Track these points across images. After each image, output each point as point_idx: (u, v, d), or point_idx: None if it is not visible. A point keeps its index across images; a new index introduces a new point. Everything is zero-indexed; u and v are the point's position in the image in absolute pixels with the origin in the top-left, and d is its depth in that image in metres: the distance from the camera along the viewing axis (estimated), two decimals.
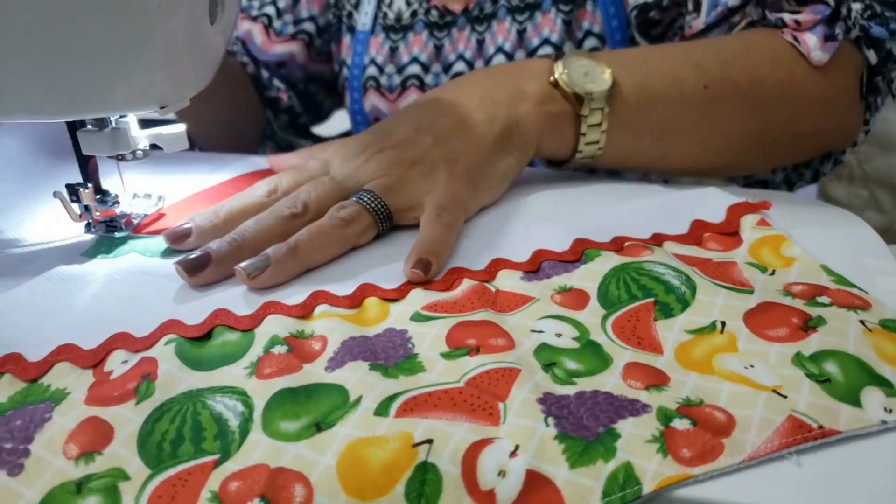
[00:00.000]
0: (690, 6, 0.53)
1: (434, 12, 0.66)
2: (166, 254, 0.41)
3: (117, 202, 0.43)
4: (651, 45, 0.57)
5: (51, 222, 0.46)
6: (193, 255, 0.38)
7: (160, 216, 0.46)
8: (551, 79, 0.45)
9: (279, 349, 0.31)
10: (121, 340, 0.33)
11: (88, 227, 0.43)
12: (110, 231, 0.43)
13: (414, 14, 0.67)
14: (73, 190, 0.42)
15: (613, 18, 0.58)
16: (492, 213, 0.44)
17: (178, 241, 0.41)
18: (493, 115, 0.45)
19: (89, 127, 0.39)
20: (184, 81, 0.38)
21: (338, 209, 0.40)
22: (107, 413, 0.28)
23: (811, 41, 0.47)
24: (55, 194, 0.41)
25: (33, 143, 0.55)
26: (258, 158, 0.58)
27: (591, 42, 0.59)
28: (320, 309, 0.34)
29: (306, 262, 0.38)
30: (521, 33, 0.61)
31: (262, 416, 0.28)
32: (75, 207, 0.42)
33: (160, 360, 0.31)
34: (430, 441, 0.26)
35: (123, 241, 0.43)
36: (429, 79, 0.67)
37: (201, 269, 0.37)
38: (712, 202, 0.42)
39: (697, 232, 0.40)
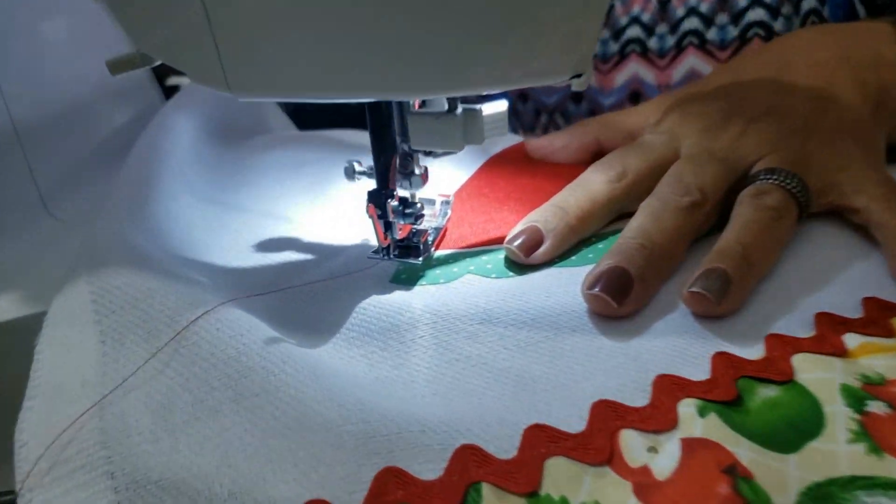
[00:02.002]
0: None
1: None
2: (512, 270, 0.30)
3: (421, 214, 0.31)
4: None
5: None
6: (606, 277, 0.27)
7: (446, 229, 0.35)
8: None
9: (878, 406, 0.21)
10: (612, 414, 0.22)
11: (386, 252, 0.31)
12: (405, 256, 0.31)
13: None
14: (377, 198, 0.29)
15: None
16: None
17: (531, 251, 0.30)
18: (860, 78, 0.35)
19: (427, 110, 0.27)
20: (595, 34, 0.26)
21: (759, 196, 0.30)
22: None
23: None
24: (369, 212, 0.29)
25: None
26: None
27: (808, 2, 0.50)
28: (854, 340, 0.24)
29: (760, 274, 0.28)
30: None
31: None
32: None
33: (720, 440, 0.20)
34: None
35: (446, 262, 0.31)
36: (711, 33, 0.53)
37: (627, 292, 0.26)
38: None
39: None
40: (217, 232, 0.35)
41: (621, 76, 0.56)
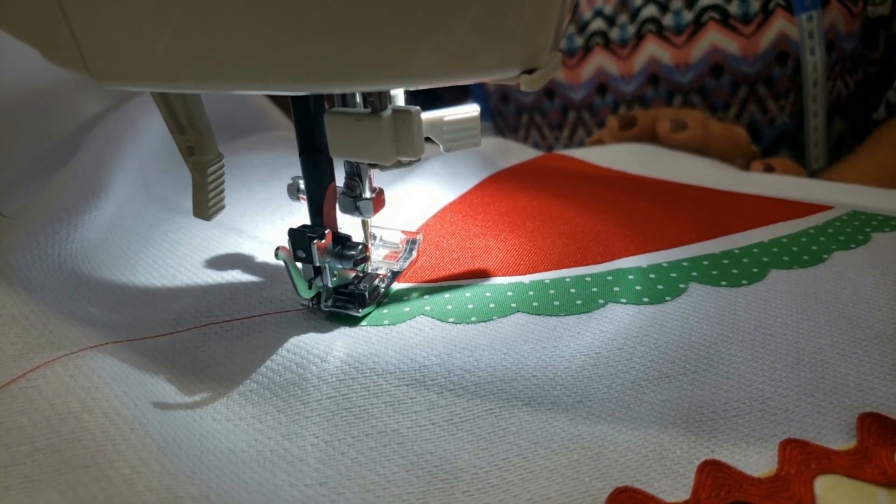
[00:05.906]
0: None
1: None
2: (480, 315, 0.24)
3: (366, 257, 0.25)
4: None
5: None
6: None
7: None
8: None
9: None
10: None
11: (317, 301, 0.25)
12: (344, 306, 0.25)
13: None
14: (298, 238, 0.24)
15: None
16: None
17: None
18: None
19: (349, 109, 0.21)
20: (551, 23, 0.20)
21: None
22: None
23: None
24: (277, 255, 0.23)
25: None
26: None
27: None
28: None
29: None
30: None
31: None
32: (308, 271, 0.25)
33: None
34: None
35: (399, 298, 0.26)
36: (667, 19, 0.55)
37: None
38: None
39: None
40: (155, 242, 0.31)
41: (587, 70, 0.58)
